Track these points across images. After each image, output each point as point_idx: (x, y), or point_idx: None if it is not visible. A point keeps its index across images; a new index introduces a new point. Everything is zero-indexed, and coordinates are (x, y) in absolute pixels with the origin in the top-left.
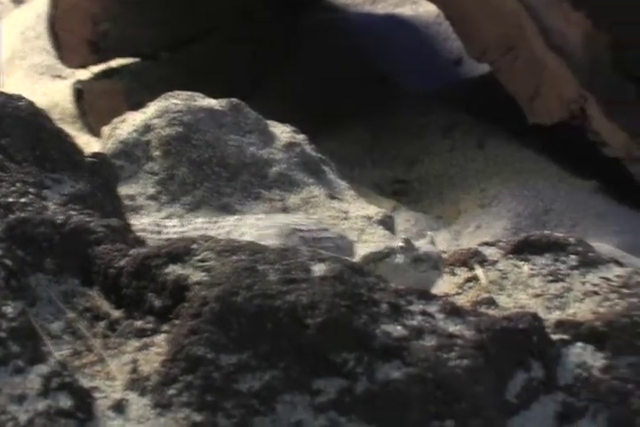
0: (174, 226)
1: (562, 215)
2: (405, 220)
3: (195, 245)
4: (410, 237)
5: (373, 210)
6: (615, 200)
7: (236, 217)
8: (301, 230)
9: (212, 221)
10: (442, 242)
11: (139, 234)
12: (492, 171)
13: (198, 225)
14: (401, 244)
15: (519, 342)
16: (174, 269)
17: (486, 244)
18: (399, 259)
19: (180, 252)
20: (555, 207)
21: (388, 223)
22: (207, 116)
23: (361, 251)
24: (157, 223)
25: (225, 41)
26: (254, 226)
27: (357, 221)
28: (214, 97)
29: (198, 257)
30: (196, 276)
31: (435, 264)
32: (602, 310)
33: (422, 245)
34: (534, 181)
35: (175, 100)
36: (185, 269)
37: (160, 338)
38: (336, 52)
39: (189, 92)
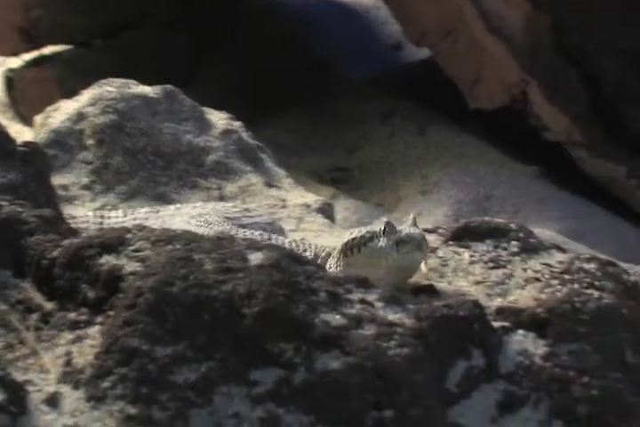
0: (117, 217)
1: (503, 201)
2: (345, 208)
3: (129, 235)
4: (391, 222)
5: (312, 198)
6: (557, 185)
7: (175, 206)
8: (229, 218)
9: (154, 211)
10: None
11: (82, 225)
12: (433, 157)
13: (140, 215)
14: (382, 227)
15: (460, 330)
16: (108, 260)
17: (425, 230)
18: (382, 242)
19: (113, 242)
20: (496, 193)
21: (327, 211)
22: (141, 103)
23: (344, 238)
24: (102, 214)
25: (160, 27)
26: (190, 215)
27: (296, 210)
28: (149, 84)
29: (132, 247)
30: (131, 266)
31: (418, 245)
32: (543, 297)
33: (404, 227)
34: (475, 166)
35: (109, 88)
36: (119, 259)
37: (94, 330)
38: (274, 39)
39: (123, 80)
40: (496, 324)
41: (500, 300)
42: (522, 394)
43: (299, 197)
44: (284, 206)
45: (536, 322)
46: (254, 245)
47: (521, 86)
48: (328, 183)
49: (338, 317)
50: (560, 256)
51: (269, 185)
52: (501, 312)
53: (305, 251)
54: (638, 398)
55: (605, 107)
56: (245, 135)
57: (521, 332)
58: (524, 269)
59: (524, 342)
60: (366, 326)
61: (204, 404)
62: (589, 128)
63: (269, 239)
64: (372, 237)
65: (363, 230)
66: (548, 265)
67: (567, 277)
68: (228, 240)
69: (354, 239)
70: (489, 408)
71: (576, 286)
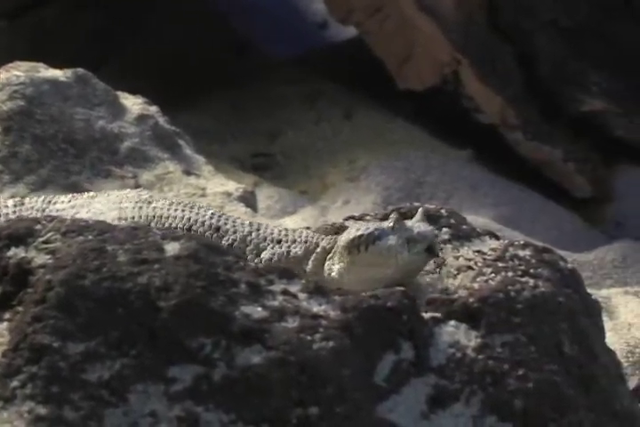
0: (62, 202)
1: (435, 187)
2: (268, 196)
3: (38, 226)
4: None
5: (233, 186)
6: (491, 170)
7: (89, 194)
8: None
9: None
10: (308, 219)
11: (26, 213)
12: (361, 142)
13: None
14: (391, 224)
15: (388, 322)
16: (16, 253)
17: (352, 217)
18: (392, 240)
19: (22, 233)
20: (427, 179)
21: (249, 200)
22: (51, 88)
23: (348, 234)
24: (49, 200)
25: (71, 7)
26: (103, 204)
27: (216, 198)
28: (59, 68)
29: (42, 238)
30: (40, 259)
31: (430, 245)
32: (476, 286)
33: (415, 224)
34: (405, 151)
35: (16, 72)
36: (28, 251)
37: (2, 327)
38: (192, 18)
39: (32, 63)
40: (426, 315)
41: (430, 289)
42: (454, 388)
43: (219, 185)
44: (203, 195)
45: (468, 312)
46: (170, 235)
47: (453, 66)
48: (250, 170)
49: (259, 309)
50: (493, 243)
51: (188, 173)
52: (432, 303)
53: (294, 243)
54: (576, 390)
55: (541, 87)
56: (162, 120)
57: (453, 323)
58: (456, 258)
59: (456, 334)
60: (289, 319)
61: (119, 403)
62: (525, 110)
63: (258, 229)
64: (381, 234)
65: (371, 227)
66: (481, 253)
67: (501, 264)
68: (143, 230)
69: (361, 236)
70: (419, 403)
71: (510, 274)
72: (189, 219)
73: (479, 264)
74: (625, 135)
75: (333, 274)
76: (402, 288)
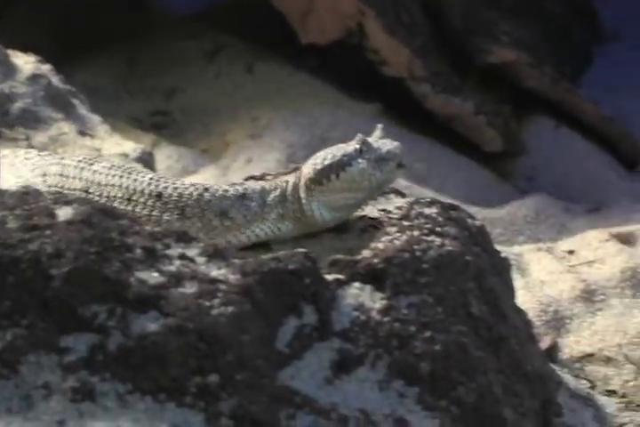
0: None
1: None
2: (167, 156)
3: None
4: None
5: (130, 146)
6: (399, 125)
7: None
8: None
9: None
10: (210, 178)
11: None
12: (263, 98)
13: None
14: (358, 146)
15: (289, 286)
16: None
17: (253, 177)
18: (362, 164)
19: None
20: (333, 135)
21: (147, 160)
22: None
23: (314, 166)
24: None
25: None
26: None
27: (112, 159)
28: None
29: None
30: None
31: (400, 161)
32: (380, 246)
33: (380, 142)
34: (309, 107)
35: None
36: None
37: None
38: None
39: None
40: (329, 277)
41: (333, 251)
42: (358, 353)
43: (115, 145)
44: (99, 156)
45: (373, 274)
46: (63, 199)
47: (357, 18)
48: (149, 129)
49: (155, 275)
50: (399, 201)
51: (83, 133)
52: (335, 264)
53: (263, 192)
54: (485, 352)
55: (450, 38)
56: (56, 80)
57: (357, 285)
58: (360, 217)
59: (361, 296)
60: (187, 284)
61: (10, 375)
62: (433, 62)
63: (207, 189)
64: (350, 159)
65: (337, 154)
66: (387, 211)
67: (406, 223)
68: (34, 194)
69: (330, 166)
70: (323, 369)
71: (416, 233)
72: (127, 187)
73: (384, 223)
74: (536, 87)
75: (314, 213)
76: (303, 250)
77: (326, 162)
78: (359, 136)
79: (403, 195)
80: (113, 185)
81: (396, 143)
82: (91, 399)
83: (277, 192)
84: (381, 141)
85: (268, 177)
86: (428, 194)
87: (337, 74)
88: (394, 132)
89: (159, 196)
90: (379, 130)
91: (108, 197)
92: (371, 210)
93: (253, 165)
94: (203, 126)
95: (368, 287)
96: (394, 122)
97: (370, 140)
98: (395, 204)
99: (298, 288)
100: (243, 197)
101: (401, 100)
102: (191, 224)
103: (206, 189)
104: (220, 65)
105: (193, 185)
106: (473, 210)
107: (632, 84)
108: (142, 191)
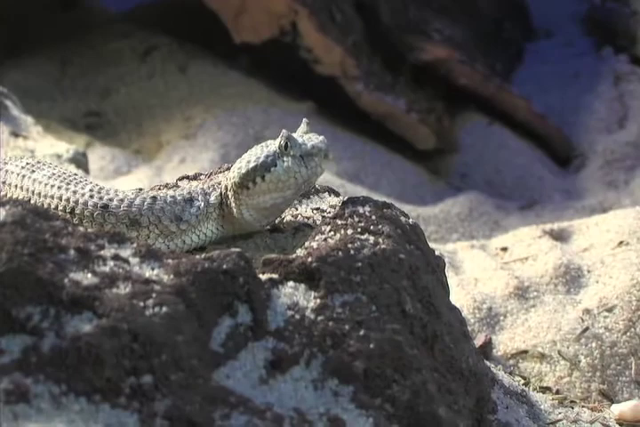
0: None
1: None
2: (100, 156)
3: None
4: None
5: (63, 147)
6: (333, 124)
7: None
8: None
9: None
10: (143, 179)
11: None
12: (197, 98)
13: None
14: (282, 142)
15: (223, 285)
16: None
17: (186, 177)
18: (287, 162)
19: None
20: (266, 134)
21: (80, 161)
22: None
23: (239, 169)
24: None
25: None
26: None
27: (56, 163)
28: None
29: None
30: None
31: (325, 154)
32: (314, 245)
33: (304, 136)
34: (243, 106)
35: None
36: None
37: None
38: None
39: None
40: (263, 276)
41: (267, 250)
42: (293, 352)
43: (48, 146)
44: (32, 157)
45: (307, 272)
46: None
47: (290, 17)
48: (82, 130)
49: (89, 275)
50: (333, 200)
51: (16, 135)
52: (269, 263)
53: (205, 194)
54: (419, 350)
55: (383, 37)
56: None
57: (291, 284)
58: (294, 216)
59: (295, 295)
60: (121, 285)
61: None
62: (366, 60)
63: (155, 198)
64: (274, 159)
65: (260, 155)
66: (320, 210)
67: (340, 222)
68: None
69: (255, 168)
70: (257, 369)
71: (350, 231)
72: (69, 200)
73: (318, 222)
74: (468, 84)
75: (244, 216)
76: (237, 249)
77: (250, 165)
78: (283, 132)
79: (337, 193)
80: (52, 197)
81: (320, 137)
82: (25, 401)
83: (217, 192)
84: (306, 136)
85: (202, 177)
86: (362, 192)
87: (270, 73)
88: (327, 131)
89: (106, 207)
90: (304, 124)
91: (48, 209)
92: (304, 209)
93: (187, 165)
94: (136, 127)
95: (302, 286)
96: (327, 120)
97: (294, 135)
98: (328, 202)
99: (232, 288)
100: (190, 200)
101: (334, 98)
102: (148, 232)
103: (154, 198)
104: (153, 65)
105: (137, 194)
106: (407, 208)
107: (563, 81)
108: (86, 204)
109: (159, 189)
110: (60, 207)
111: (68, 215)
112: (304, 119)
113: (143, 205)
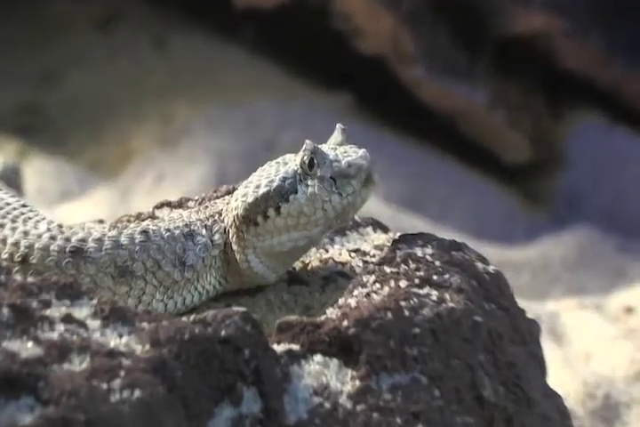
0: None
1: (295, 150)
2: (39, 171)
3: None
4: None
5: None
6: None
7: None
8: None
9: None
10: (101, 205)
11: None
12: (179, 85)
13: None
14: (306, 158)
15: (222, 360)
16: None
17: (168, 204)
18: (313, 186)
19: None
20: (283, 140)
21: (10, 179)
22: None
23: (245, 197)
24: None
25: None
26: None
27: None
28: None
29: None
30: None
31: (367, 175)
32: (352, 303)
33: (338, 148)
34: (248, 99)
35: None
36: None
37: None
38: None
39: None
40: (279, 347)
41: (284, 308)
42: None
43: None
44: None
45: (341, 342)
46: None
47: None
48: (13, 133)
49: (30, 345)
50: (379, 238)
51: None
52: (287, 329)
53: (193, 230)
54: None
55: (454, 0)
56: None
57: (318, 358)
58: (324, 261)
59: (324, 375)
60: (75, 359)
61: None
62: (427, 33)
63: (145, 241)
64: (293, 183)
65: (274, 178)
66: (361, 252)
67: (389, 270)
68: None
69: (265, 197)
70: None
71: (403, 283)
72: (18, 244)
73: (357, 270)
74: (578, 67)
75: (251, 265)
76: (241, 308)
77: (260, 191)
78: (307, 144)
79: (384, 228)
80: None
81: (361, 151)
82: None
83: (220, 227)
84: (341, 149)
85: (190, 204)
86: (422, 227)
87: (287, 51)
88: (371, 136)
89: (78, 252)
90: (338, 131)
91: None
92: (338, 250)
93: (166, 185)
94: (91, 129)
95: (334, 362)
96: (371, 121)
97: (324, 148)
98: (373, 241)
99: (234, 364)
100: (191, 235)
101: (382, 89)
102: (144, 285)
103: (146, 233)
104: (116, 39)
105: (119, 230)
106: (487, 249)
107: None
108: (46, 249)
109: (128, 221)
110: (4, 255)
111: (18, 266)
112: (338, 125)
113: (134, 245)
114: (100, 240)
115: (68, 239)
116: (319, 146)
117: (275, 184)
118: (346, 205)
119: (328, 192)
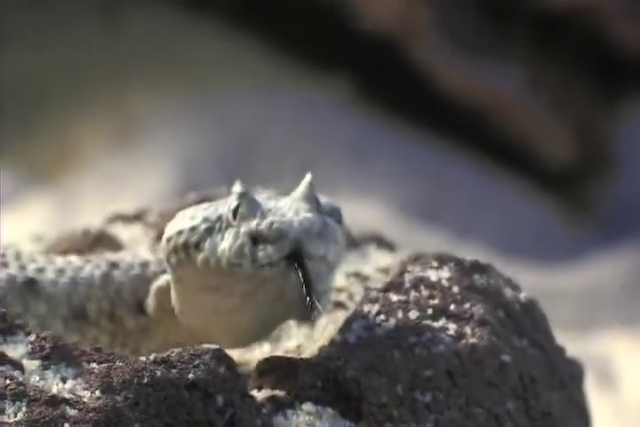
0: None
1: (284, 150)
2: None
3: None
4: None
5: None
6: (387, 118)
7: None
8: None
9: None
10: (36, 219)
11: None
12: (135, 70)
13: None
14: (231, 204)
15: (189, 409)
16: None
17: (122, 217)
18: (228, 238)
19: None
20: (268, 135)
21: None
22: None
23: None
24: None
25: None
26: None
27: None
28: None
29: None
30: None
31: (295, 247)
32: (351, 338)
33: (280, 201)
34: (222, 86)
35: None
36: None
37: None
38: None
39: None
40: (259, 394)
41: (266, 346)
42: None
43: None
44: None
45: (336, 388)
46: None
47: None
48: None
49: None
50: (384, 258)
51: None
52: (269, 371)
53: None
54: None
55: None
56: None
57: (308, 408)
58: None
59: None
60: (9, 408)
61: None
62: (447, 8)
63: (112, 271)
64: (210, 228)
65: (199, 214)
66: (361, 276)
67: (396, 297)
68: None
69: (179, 234)
70: None
71: (413, 314)
72: None
73: (357, 298)
74: (632, 47)
75: (181, 317)
76: (214, 345)
77: (178, 228)
78: (237, 187)
79: (390, 246)
80: None
81: (304, 215)
82: None
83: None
84: (282, 203)
85: (151, 217)
86: (440, 242)
87: (271, 25)
88: (378, 130)
89: (30, 284)
90: (304, 184)
91: None
92: (335, 274)
93: (119, 191)
94: (22, 122)
95: (328, 412)
96: (377, 112)
97: (261, 196)
98: (377, 262)
99: (203, 414)
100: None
101: (390, 73)
102: (97, 332)
103: (115, 266)
104: (55, 10)
105: (85, 260)
106: (518, 272)
107: None
108: (11, 281)
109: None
110: None
111: None
112: (308, 175)
113: (93, 280)
114: (60, 271)
115: (22, 267)
116: (258, 191)
117: (191, 224)
118: (261, 279)
119: (237, 254)
